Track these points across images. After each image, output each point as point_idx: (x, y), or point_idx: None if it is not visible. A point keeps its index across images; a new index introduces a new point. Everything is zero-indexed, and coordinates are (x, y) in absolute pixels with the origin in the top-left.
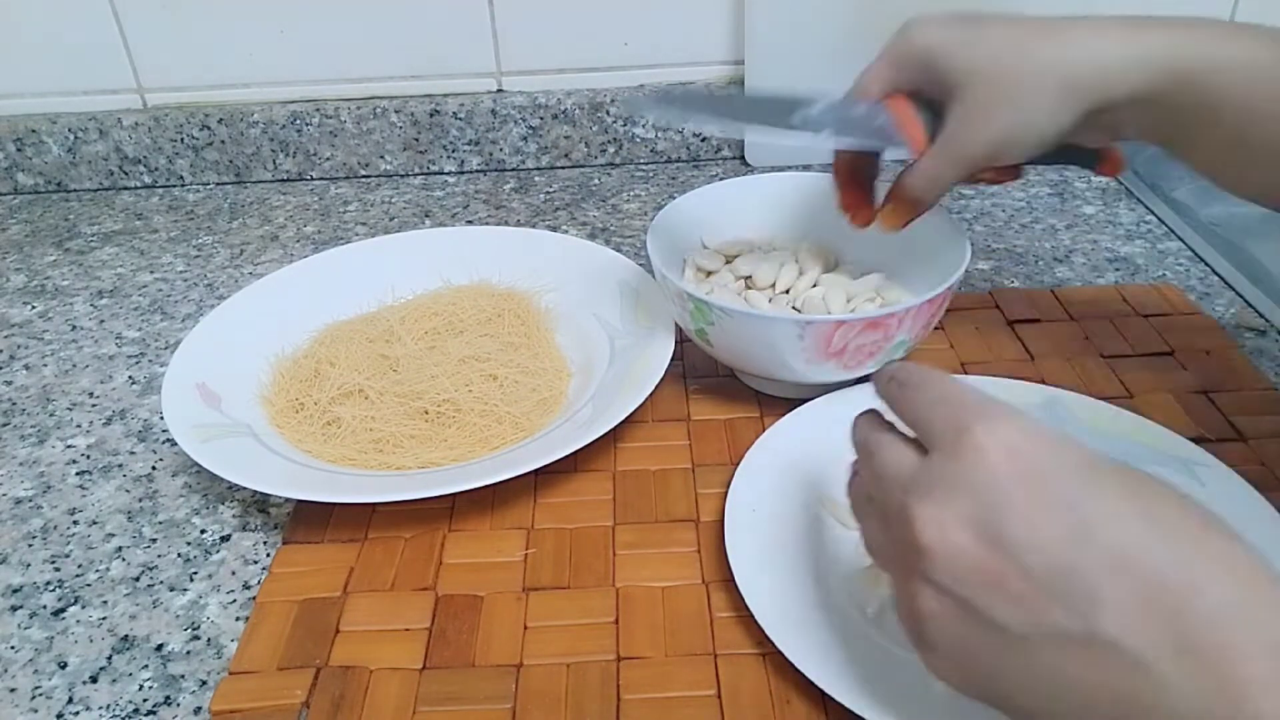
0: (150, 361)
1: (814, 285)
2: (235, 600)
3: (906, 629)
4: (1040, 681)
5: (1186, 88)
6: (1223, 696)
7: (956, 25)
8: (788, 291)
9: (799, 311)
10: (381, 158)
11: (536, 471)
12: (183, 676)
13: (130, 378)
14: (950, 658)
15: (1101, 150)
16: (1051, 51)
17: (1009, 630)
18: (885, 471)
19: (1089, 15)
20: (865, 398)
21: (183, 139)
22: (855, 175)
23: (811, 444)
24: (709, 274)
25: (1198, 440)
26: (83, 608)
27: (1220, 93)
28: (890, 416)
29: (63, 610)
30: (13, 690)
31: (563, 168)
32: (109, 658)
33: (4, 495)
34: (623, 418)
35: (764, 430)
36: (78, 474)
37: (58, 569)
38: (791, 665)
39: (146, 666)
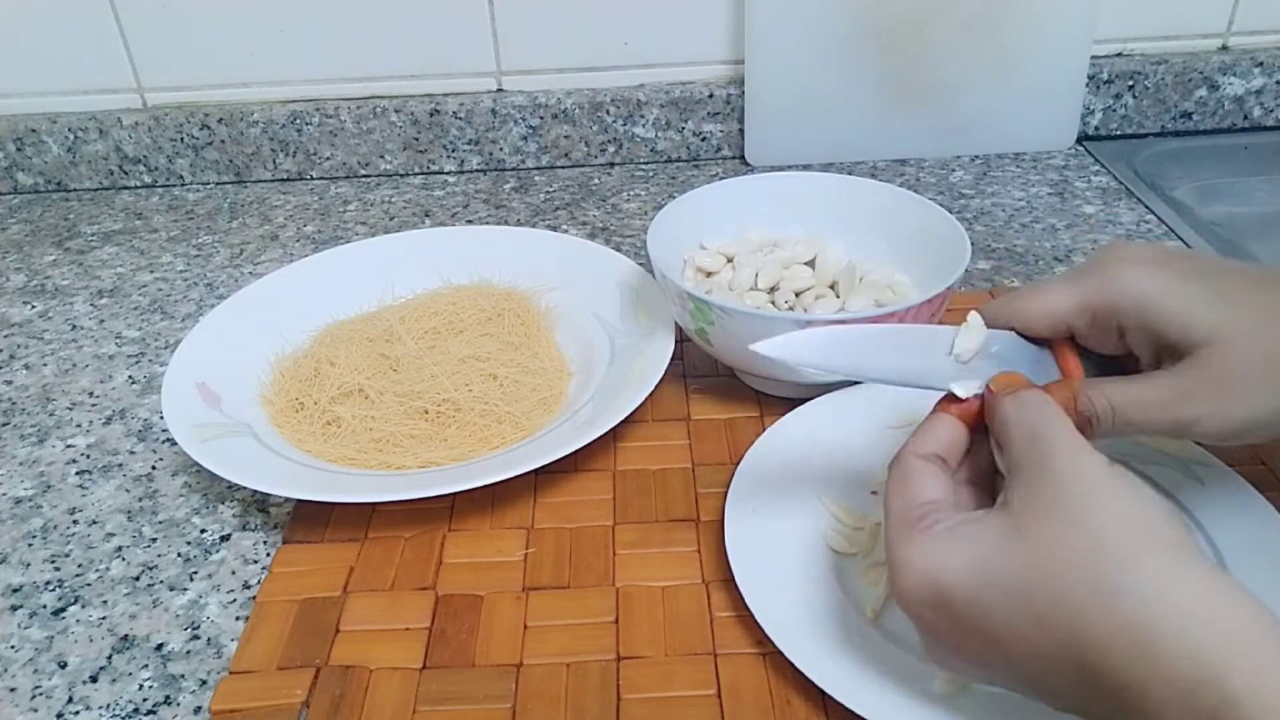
0: (150, 361)
1: (814, 285)
2: (235, 600)
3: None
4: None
5: None
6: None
7: (1179, 270)
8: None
9: (797, 311)
10: (381, 157)
11: (536, 471)
12: (183, 676)
13: (130, 377)
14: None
15: None
16: None
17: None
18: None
19: None
20: (864, 398)
21: (183, 138)
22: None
23: (811, 444)
24: (709, 274)
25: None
26: (83, 607)
27: None
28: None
29: (63, 610)
30: (13, 690)
31: (563, 167)
32: (109, 657)
33: (4, 495)
34: (623, 417)
35: (764, 430)
36: (78, 474)
37: (58, 569)
38: (791, 665)
39: (146, 666)
